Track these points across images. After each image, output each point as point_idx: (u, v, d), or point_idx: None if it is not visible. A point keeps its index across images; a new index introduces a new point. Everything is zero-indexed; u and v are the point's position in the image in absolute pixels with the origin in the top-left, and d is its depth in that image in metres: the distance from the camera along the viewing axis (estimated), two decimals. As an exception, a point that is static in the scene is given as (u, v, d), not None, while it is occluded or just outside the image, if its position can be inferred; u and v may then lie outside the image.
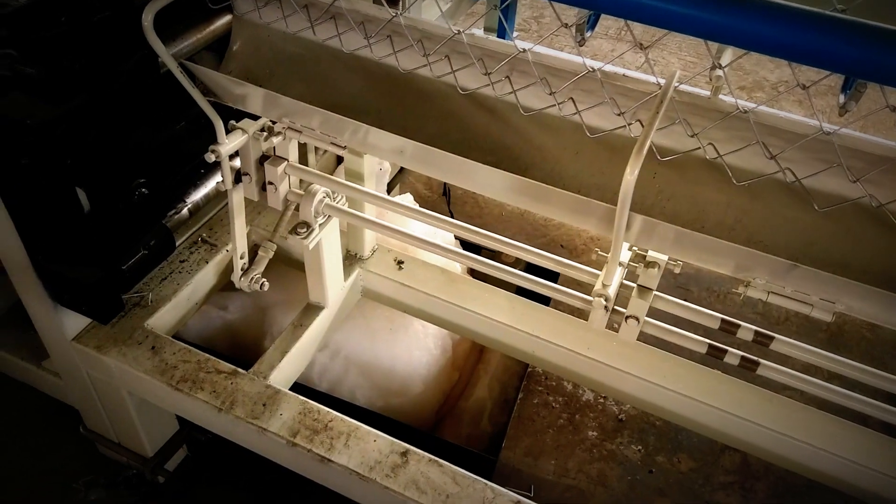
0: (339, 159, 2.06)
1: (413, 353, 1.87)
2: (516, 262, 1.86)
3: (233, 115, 1.27)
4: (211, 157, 1.22)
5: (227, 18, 1.30)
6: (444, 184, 2.62)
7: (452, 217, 1.40)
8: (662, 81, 0.94)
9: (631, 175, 0.84)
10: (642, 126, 0.97)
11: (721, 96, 1.01)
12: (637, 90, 1.04)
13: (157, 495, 1.84)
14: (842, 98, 1.04)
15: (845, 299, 0.93)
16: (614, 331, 1.27)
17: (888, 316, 0.91)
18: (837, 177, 0.95)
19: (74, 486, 1.83)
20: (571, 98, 1.05)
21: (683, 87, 1.00)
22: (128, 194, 1.23)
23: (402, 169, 2.40)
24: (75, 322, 1.48)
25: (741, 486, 1.90)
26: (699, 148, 1.01)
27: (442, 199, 2.66)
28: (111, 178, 1.20)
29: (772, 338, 1.14)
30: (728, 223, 1.02)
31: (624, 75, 1.07)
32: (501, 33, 2.08)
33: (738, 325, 1.16)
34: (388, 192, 2.31)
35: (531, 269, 1.37)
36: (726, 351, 1.18)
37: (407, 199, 2.18)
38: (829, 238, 0.94)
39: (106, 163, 1.19)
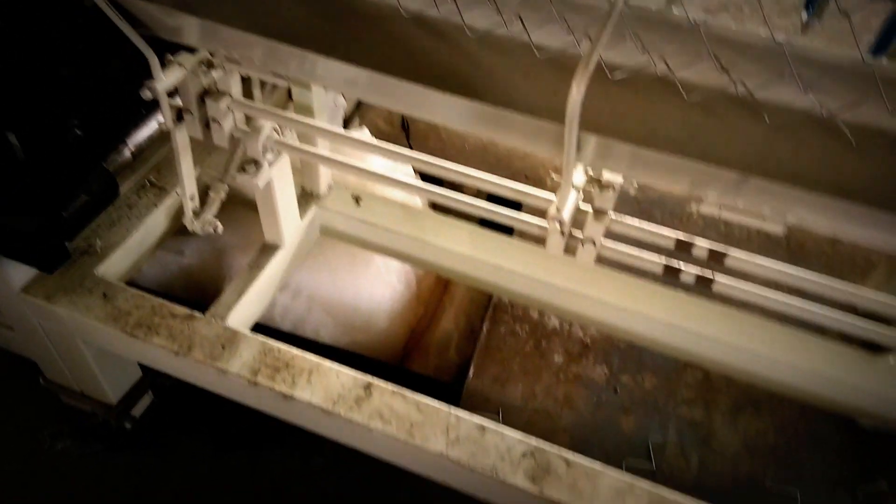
0: (291, 94, 1.99)
1: (376, 288, 1.86)
2: (477, 196, 1.83)
3: (171, 49, 1.20)
4: (147, 95, 1.16)
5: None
6: (402, 118, 2.56)
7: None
8: None
9: (577, 92, 0.81)
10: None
11: (677, 5, 0.98)
12: (588, 4, 1.00)
13: (124, 442, 1.84)
14: (804, 16, 1.01)
15: (796, 210, 0.93)
16: (573, 256, 1.27)
17: (838, 224, 0.91)
18: (790, 87, 0.93)
19: (40, 437, 1.82)
20: (519, 16, 1.01)
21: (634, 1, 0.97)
22: (61, 135, 1.17)
23: (359, 104, 2.33)
24: (22, 273, 1.43)
25: (703, 399, 1.96)
26: (651, 64, 0.98)
27: (402, 134, 2.60)
28: (41, 119, 1.14)
29: (725, 254, 1.14)
30: (681, 140, 1.00)
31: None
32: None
33: (693, 244, 1.16)
34: (345, 127, 2.25)
35: (494, 202, 1.35)
36: (681, 270, 1.19)
37: (363, 134, 2.13)
38: (781, 151, 0.93)
39: (33, 102, 1.12)
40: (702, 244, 1.15)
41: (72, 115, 1.18)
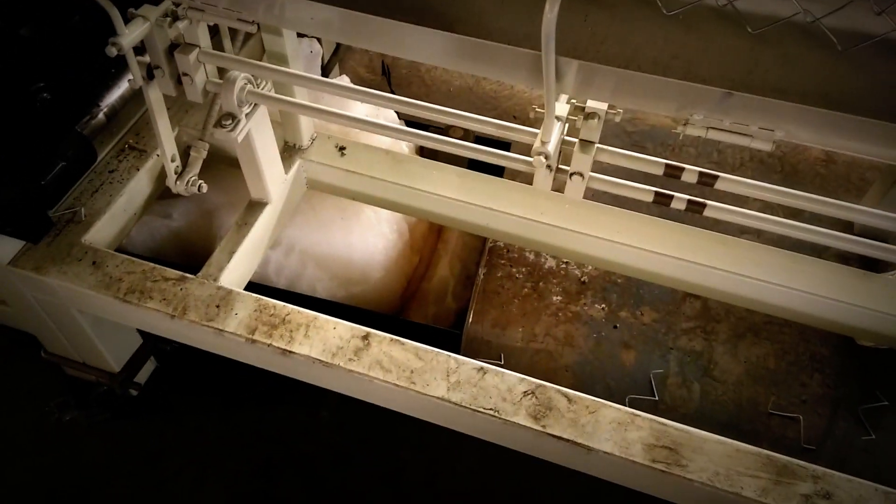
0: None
1: (369, 239, 1.84)
2: (465, 138, 1.80)
3: (133, 4, 1.16)
4: (112, 51, 1.12)
5: None
6: (383, 62, 2.50)
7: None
8: None
9: (551, 12, 0.78)
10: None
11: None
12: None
13: (131, 409, 1.86)
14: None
15: (784, 124, 0.91)
16: (562, 192, 1.25)
17: (826, 136, 0.89)
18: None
19: (47, 409, 1.83)
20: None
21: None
22: (28, 102, 1.14)
23: (337, 49, 2.28)
24: (9, 246, 1.41)
25: (703, 329, 1.96)
26: (629, -19, 0.95)
27: (384, 80, 2.55)
28: (5, 86, 1.10)
29: (716, 177, 1.12)
30: (664, 61, 0.97)
31: None
32: None
33: (683, 168, 1.14)
34: (324, 76, 2.20)
35: (482, 144, 1.32)
36: (672, 196, 1.17)
37: (343, 82, 2.08)
38: (766, 63, 0.90)
39: (-5, 68, 1.09)
40: (692, 168, 1.13)
41: (37, 78, 1.14)
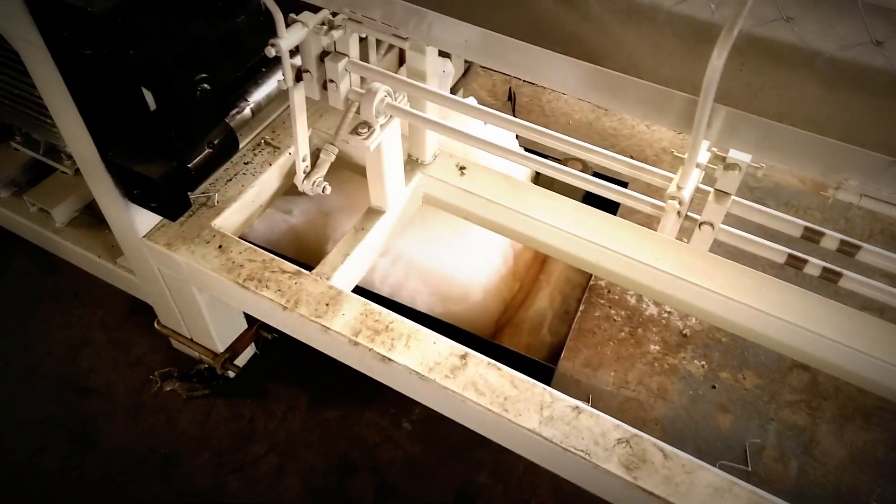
0: (401, 60, 2.00)
1: (474, 260, 1.86)
2: (583, 171, 1.79)
3: (293, 10, 1.23)
4: (271, 52, 1.18)
5: None
6: (510, 89, 2.53)
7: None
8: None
9: (718, 58, 0.77)
10: None
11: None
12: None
13: (226, 389, 1.94)
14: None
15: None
16: (685, 239, 1.22)
17: None
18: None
19: (151, 377, 1.94)
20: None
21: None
22: (190, 89, 1.22)
23: (465, 72, 2.32)
24: (146, 220, 1.51)
25: (808, 405, 1.85)
26: (793, 35, 0.92)
27: (506, 107, 2.57)
28: (172, 72, 1.19)
29: (859, 246, 1.06)
30: (821, 119, 0.93)
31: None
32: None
33: (823, 233, 1.08)
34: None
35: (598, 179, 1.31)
36: (807, 261, 1.11)
37: (471, 102, 2.12)
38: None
39: (167, 55, 1.17)
40: (833, 235, 1.07)
41: (201, 70, 1.23)
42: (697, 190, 1.13)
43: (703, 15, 0.96)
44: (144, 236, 1.52)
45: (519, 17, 1.10)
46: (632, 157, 2.43)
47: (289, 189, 1.73)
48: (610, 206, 1.77)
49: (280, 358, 1.99)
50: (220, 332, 1.79)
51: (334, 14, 1.24)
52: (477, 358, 1.34)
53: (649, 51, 1.03)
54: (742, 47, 0.93)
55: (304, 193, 1.47)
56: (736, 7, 0.79)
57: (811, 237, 1.09)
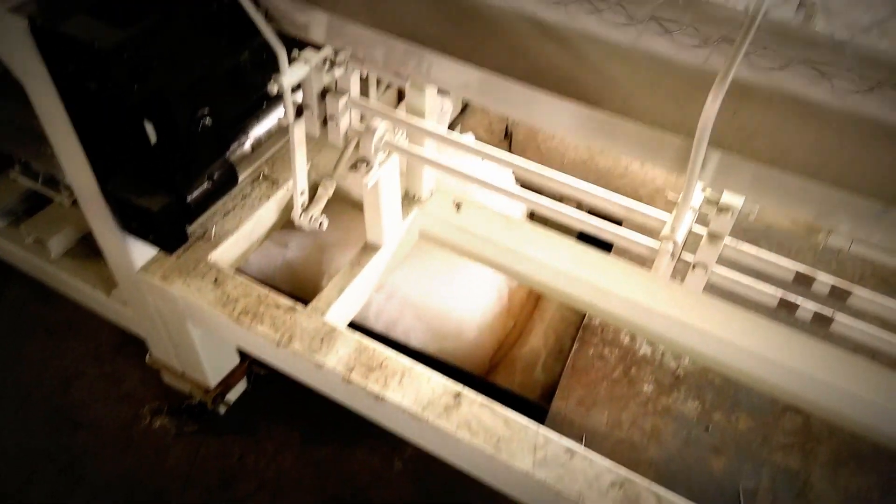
0: (400, 97, 2.03)
1: (469, 297, 1.86)
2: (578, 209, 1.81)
3: (295, 46, 1.25)
4: (274, 89, 1.20)
5: (291, -55, 1.27)
6: (506, 127, 2.56)
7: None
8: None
9: (712, 106, 0.78)
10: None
11: (817, 20, 0.93)
12: (722, 16, 0.97)
13: (217, 425, 1.91)
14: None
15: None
16: (679, 280, 1.22)
17: None
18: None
19: (141, 411, 1.91)
20: (652, 21, 0.98)
21: (773, 13, 0.93)
22: (193, 124, 1.24)
23: (462, 111, 2.36)
24: (142, 252, 1.51)
25: (801, 448, 1.84)
26: (787, 81, 0.94)
27: (503, 144, 2.60)
28: (176, 107, 1.21)
29: (850, 292, 1.07)
30: (813, 164, 0.95)
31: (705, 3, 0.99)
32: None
33: (814, 279, 1.09)
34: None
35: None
36: (798, 306, 1.12)
37: (468, 139, 2.14)
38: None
39: (171, 90, 1.19)
40: (824, 279, 1.08)
41: (204, 104, 1.24)
42: (692, 231, 1.14)
43: (697, 61, 0.98)
44: (141, 269, 1.52)
45: (517, 58, 1.13)
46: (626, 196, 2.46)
47: (286, 222, 1.74)
48: (606, 243, 1.79)
49: (272, 393, 1.97)
50: (212, 367, 1.78)
51: (336, 52, 1.26)
52: (471, 397, 1.33)
53: (645, 93, 1.05)
54: (735, 93, 0.95)
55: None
56: (729, 56, 0.81)
57: (803, 281, 1.10)
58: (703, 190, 1.10)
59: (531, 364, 1.91)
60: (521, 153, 2.64)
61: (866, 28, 0.96)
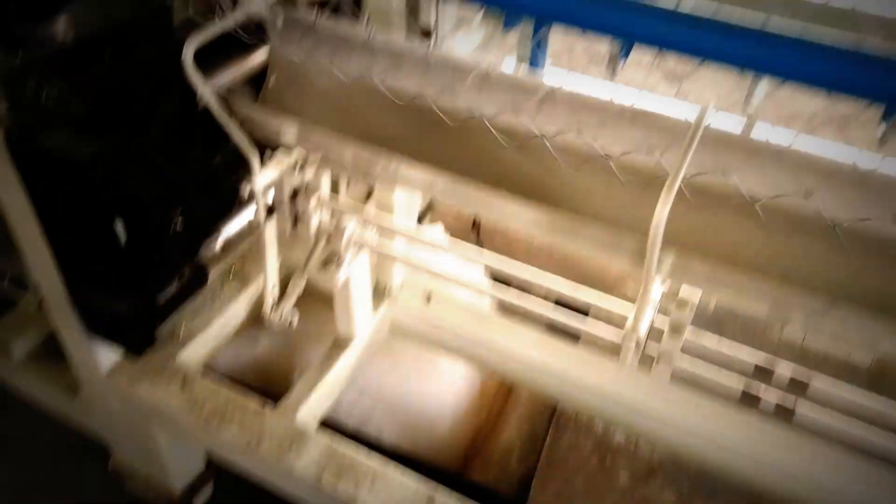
0: (371, 189, 2.08)
1: (441, 390, 1.85)
2: (547, 299, 1.84)
3: (267, 148, 1.29)
4: (246, 191, 1.23)
5: (263, 54, 1.33)
6: (475, 219, 2.62)
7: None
8: (692, 118, 0.93)
9: (662, 207, 0.83)
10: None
11: (756, 129, 1.00)
12: (668, 127, 1.03)
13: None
14: (880, 130, 1.02)
15: (885, 342, 0.90)
16: (647, 369, 1.24)
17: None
18: (876, 212, 0.92)
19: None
20: (605, 131, 1.05)
21: (716, 123, 0.99)
22: (165, 227, 1.26)
23: (430, 202, 2.41)
24: (108, 356, 1.49)
25: (780, 536, 1.82)
26: (732, 186, 1.00)
27: (472, 231, 2.65)
28: (149, 211, 1.23)
29: (807, 384, 1.10)
30: (762, 262, 0.99)
31: (655, 114, 1.06)
32: (535, 61, 2.11)
33: (772, 372, 1.12)
34: (419, 222, 2.32)
35: (561, 304, 1.36)
36: (759, 399, 1.14)
37: (438, 230, 2.19)
38: (869, 279, 0.91)
39: (145, 196, 1.21)
40: (783, 371, 1.11)
41: (177, 206, 1.27)
42: (655, 321, 1.17)
43: (650, 163, 1.04)
44: (107, 373, 1.48)
45: (482, 162, 1.18)
46: (592, 280, 2.50)
47: (257, 316, 1.73)
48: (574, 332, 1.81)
49: (239, 497, 1.90)
50: (178, 472, 1.72)
51: (307, 154, 1.31)
52: (444, 497, 1.31)
53: (602, 194, 1.10)
54: (687, 192, 1.01)
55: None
56: (678, 160, 0.86)
57: (763, 372, 1.12)
58: (663, 283, 1.14)
59: (506, 456, 1.88)
60: (490, 238, 2.69)
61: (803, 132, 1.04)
